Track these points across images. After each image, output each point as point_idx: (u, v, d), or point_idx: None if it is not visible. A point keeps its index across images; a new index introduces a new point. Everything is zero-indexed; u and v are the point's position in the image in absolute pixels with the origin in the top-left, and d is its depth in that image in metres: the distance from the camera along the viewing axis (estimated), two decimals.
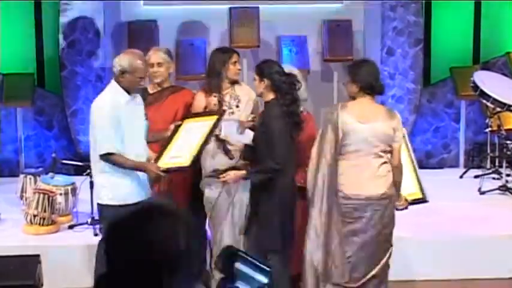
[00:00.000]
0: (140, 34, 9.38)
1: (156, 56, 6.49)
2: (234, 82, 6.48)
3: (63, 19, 9.68)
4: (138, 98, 6.09)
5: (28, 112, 9.69)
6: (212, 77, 6.42)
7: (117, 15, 9.79)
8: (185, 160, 5.97)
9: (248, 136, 6.35)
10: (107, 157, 5.85)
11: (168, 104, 6.49)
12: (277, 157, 5.89)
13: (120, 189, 5.91)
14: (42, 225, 7.20)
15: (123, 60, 5.91)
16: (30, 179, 7.76)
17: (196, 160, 6.04)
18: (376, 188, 5.70)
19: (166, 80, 6.58)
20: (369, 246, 5.74)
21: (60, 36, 9.65)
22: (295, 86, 6.06)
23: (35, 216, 7.19)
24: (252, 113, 6.49)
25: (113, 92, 5.95)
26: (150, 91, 6.52)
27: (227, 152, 6.29)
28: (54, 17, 9.78)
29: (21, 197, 7.74)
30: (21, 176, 7.92)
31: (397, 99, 9.87)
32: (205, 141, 6.04)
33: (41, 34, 9.92)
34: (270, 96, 6.04)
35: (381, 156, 5.72)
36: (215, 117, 6.12)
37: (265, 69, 6.07)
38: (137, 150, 5.94)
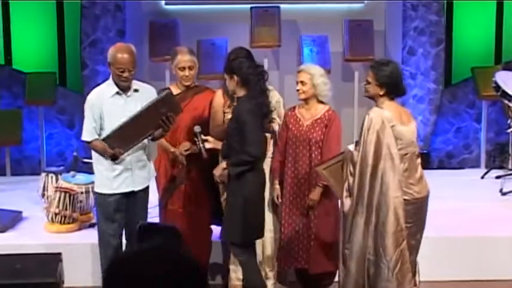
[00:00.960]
0: (161, 33, 9.40)
1: (185, 59, 6.45)
2: None
3: (85, 18, 9.72)
4: (137, 94, 6.05)
5: (50, 111, 9.75)
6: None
7: (138, 14, 9.82)
8: (123, 150, 5.94)
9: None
10: (87, 144, 6.11)
11: (193, 104, 6.50)
12: (251, 150, 5.86)
13: (102, 178, 6.07)
14: (64, 223, 7.23)
15: (108, 54, 6.03)
16: (51, 177, 7.80)
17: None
18: (424, 188, 5.76)
19: (192, 81, 6.61)
20: (418, 248, 5.78)
21: (82, 36, 9.69)
22: (263, 76, 6.01)
23: (56, 214, 7.22)
24: (277, 115, 6.49)
25: (105, 84, 6.10)
26: (174, 92, 6.51)
27: (200, 150, 6.26)
28: (76, 16, 9.83)
29: (43, 195, 7.77)
30: (43, 174, 7.96)
31: (418, 99, 9.84)
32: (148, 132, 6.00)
33: (63, 33, 9.98)
34: (242, 91, 5.98)
35: (418, 156, 5.78)
36: (177, 108, 6.03)
37: (233, 66, 6.01)
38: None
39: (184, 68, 6.42)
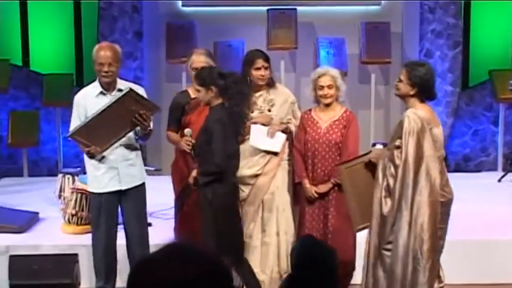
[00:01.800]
0: (178, 35, 9.42)
1: (199, 59, 6.44)
2: (268, 85, 6.46)
3: (102, 20, 9.76)
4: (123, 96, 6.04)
5: (67, 112, 9.75)
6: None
7: (155, 16, 9.85)
8: (100, 148, 6.00)
9: (279, 139, 6.33)
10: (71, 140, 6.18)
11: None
12: (218, 161, 5.80)
13: (91, 177, 6.17)
14: (80, 224, 7.25)
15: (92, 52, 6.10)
16: (68, 178, 7.82)
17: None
18: (451, 190, 5.79)
19: None
20: (441, 251, 5.84)
21: (99, 37, 9.73)
22: (239, 83, 5.96)
23: (73, 215, 7.24)
24: (292, 115, 6.48)
25: (91, 84, 6.16)
26: (192, 95, 6.51)
27: (191, 151, 6.26)
28: (93, 17, 9.86)
29: (60, 196, 7.80)
30: (60, 175, 7.99)
31: (435, 101, 9.78)
32: (124, 130, 5.98)
33: (80, 35, 10.02)
34: (218, 101, 5.93)
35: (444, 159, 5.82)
36: (152, 106, 6.00)
37: (206, 78, 5.92)
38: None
39: (197, 69, 6.42)
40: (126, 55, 9.67)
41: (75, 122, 6.06)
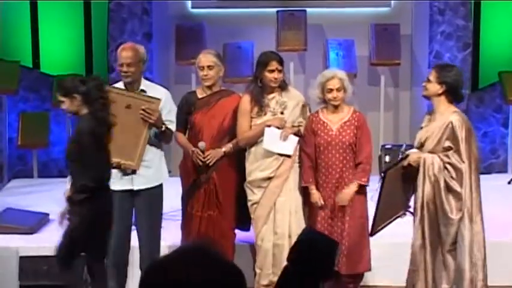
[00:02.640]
0: (188, 37, 9.44)
1: (206, 58, 6.46)
2: (281, 87, 6.46)
3: (112, 22, 9.78)
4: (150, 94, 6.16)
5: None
6: (253, 81, 6.45)
7: (165, 17, 9.87)
8: (131, 160, 6.05)
9: (292, 142, 6.33)
10: None
11: (216, 110, 6.48)
12: (94, 175, 5.68)
13: None
14: None
15: None
16: None
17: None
18: None
19: (216, 84, 6.55)
20: None
21: (109, 39, 9.75)
22: (102, 87, 5.82)
23: None
24: (303, 117, 6.49)
25: (118, 83, 6.29)
26: (199, 95, 6.52)
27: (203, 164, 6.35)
28: (103, 19, 9.89)
29: None
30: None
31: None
32: (142, 134, 6.04)
33: (90, 37, 10.04)
34: (85, 110, 5.78)
35: None
36: (153, 101, 6.04)
37: (68, 87, 5.75)
38: None
39: (203, 68, 6.43)
40: None
41: None
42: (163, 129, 6.04)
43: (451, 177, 5.72)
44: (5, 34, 10.06)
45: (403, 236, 6.44)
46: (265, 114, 6.35)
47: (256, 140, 6.35)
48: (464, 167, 5.69)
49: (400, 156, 6.06)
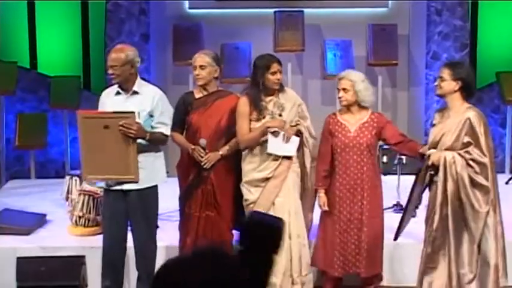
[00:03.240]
0: (185, 37, 9.44)
1: (200, 58, 6.48)
2: (278, 89, 6.47)
3: (110, 22, 9.79)
4: (136, 96, 6.12)
5: (74, 114, 9.77)
6: (252, 84, 6.43)
7: (162, 18, 9.87)
8: (129, 174, 6.05)
9: (294, 143, 6.32)
10: None
11: (213, 110, 6.48)
12: None
13: None
14: (87, 226, 7.27)
15: None
16: (75, 180, 7.84)
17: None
18: None
19: (211, 84, 6.54)
20: None
21: (106, 39, 9.76)
22: None
23: (80, 217, 7.26)
24: (299, 116, 6.49)
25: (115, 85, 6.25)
26: (196, 96, 6.52)
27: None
28: (101, 20, 9.89)
29: (67, 198, 7.82)
30: (67, 177, 8.00)
31: (443, 103, 9.80)
32: (132, 146, 6.05)
33: (88, 37, 10.05)
34: None
35: None
36: (128, 115, 6.04)
37: None
38: None
39: (195, 67, 6.46)
40: None
41: None
42: (147, 138, 6.03)
43: (475, 172, 5.81)
44: (2, 35, 10.07)
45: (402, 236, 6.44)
46: (264, 117, 6.35)
47: (257, 142, 6.34)
48: (486, 160, 5.81)
49: (425, 159, 6.04)
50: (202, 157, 6.35)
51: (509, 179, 9.22)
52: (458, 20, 9.81)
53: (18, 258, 6.54)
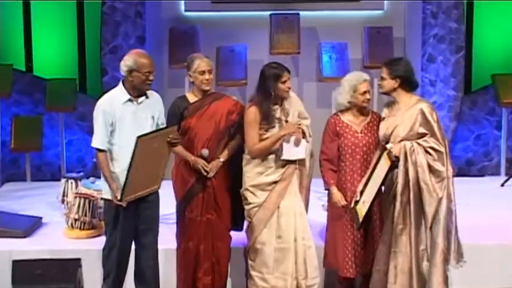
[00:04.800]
0: (181, 40, 9.43)
1: (205, 63, 6.46)
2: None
3: (105, 25, 9.78)
4: (148, 101, 6.11)
5: (70, 117, 9.81)
6: (262, 94, 6.39)
7: (158, 21, 9.87)
8: (156, 184, 6.08)
9: (304, 146, 6.34)
10: (97, 152, 6.06)
11: (210, 112, 6.48)
12: None
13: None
14: (83, 229, 7.27)
15: (128, 61, 6.04)
16: (71, 183, 7.84)
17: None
18: None
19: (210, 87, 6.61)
20: None
21: (102, 42, 9.75)
22: None
23: (76, 220, 7.26)
24: (300, 118, 6.51)
25: (115, 91, 6.13)
26: (191, 100, 6.52)
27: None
28: (96, 22, 9.89)
29: (63, 201, 7.81)
30: (63, 180, 8.00)
31: (438, 106, 9.82)
32: (166, 157, 6.09)
33: (83, 40, 10.04)
34: None
35: None
36: (171, 129, 6.10)
37: None
38: (126, 150, 5.95)
39: (204, 72, 6.44)
40: None
41: (102, 131, 6.01)
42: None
43: (434, 159, 6.06)
44: None
45: None
46: (273, 127, 6.37)
47: (268, 151, 6.35)
48: (443, 149, 6.07)
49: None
50: (206, 169, 6.36)
51: (505, 181, 9.24)
52: (454, 23, 9.83)
53: (13, 261, 6.53)
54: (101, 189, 7.37)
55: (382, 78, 6.22)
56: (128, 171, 5.84)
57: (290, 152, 6.32)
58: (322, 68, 9.40)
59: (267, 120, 6.35)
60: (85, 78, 10.09)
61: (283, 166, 6.39)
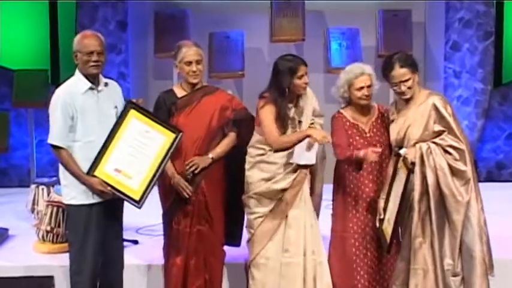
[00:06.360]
0: (168, 26, 9.45)
1: (193, 52, 6.43)
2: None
3: (81, 8, 9.79)
4: (106, 89, 6.09)
5: (41, 113, 9.79)
6: (275, 91, 6.38)
7: (142, 3, 9.88)
8: (136, 191, 6.03)
9: (315, 151, 6.35)
10: (54, 149, 6.00)
11: (201, 108, 6.47)
12: None
13: (79, 187, 6.00)
14: (56, 242, 7.26)
15: (74, 42, 6.06)
16: (42, 189, 7.84)
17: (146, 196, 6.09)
18: None
19: (200, 80, 6.57)
20: None
21: (78, 28, 9.76)
22: None
23: (47, 232, 7.26)
24: (315, 116, 6.51)
25: (72, 79, 6.10)
26: (179, 94, 6.51)
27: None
28: (71, 6, 9.90)
29: (32, 210, 7.82)
30: (33, 186, 8.00)
31: (463, 101, 9.84)
32: (159, 169, 6.07)
33: (56, 25, 10.06)
34: None
35: None
36: (172, 136, 6.10)
37: None
38: (95, 145, 5.96)
39: (190, 63, 6.41)
40: (109, 48, 9.68)
41: (62, 126, 5.96)
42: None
43: (455, 159, 6.03)
44: None
45: None
46: (287, 128, 6.38)
47: (290, 147, 6.36)
48: (463, 146, 6.03)
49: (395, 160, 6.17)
50: (188, 191, 6.36)
51: None
52: (482, 5, 9.85)
53: None
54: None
55: (405, 81, 6.08)
56: (107, 140, 5.89)
57: (301, 156, 6.32)
58: (331, 57, 9.41)
59: (282, 121, 6.34)
60: (58, 69, 10.10)
61: (293, 172, 6.39)
